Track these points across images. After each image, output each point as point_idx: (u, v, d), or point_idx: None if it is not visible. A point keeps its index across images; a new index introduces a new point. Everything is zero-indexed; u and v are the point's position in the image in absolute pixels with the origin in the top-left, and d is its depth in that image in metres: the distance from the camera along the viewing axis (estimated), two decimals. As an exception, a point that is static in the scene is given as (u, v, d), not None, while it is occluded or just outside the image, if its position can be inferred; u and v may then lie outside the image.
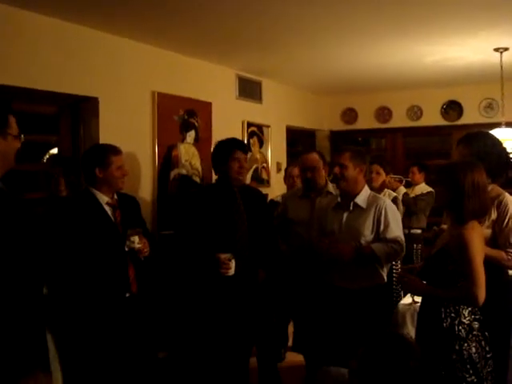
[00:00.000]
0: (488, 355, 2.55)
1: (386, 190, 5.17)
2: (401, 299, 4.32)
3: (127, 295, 3.19)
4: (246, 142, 5.64)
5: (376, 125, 7.43)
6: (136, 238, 3.16)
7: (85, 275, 3.05)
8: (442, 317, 2.55)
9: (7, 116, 2.07)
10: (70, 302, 3.04)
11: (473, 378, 2.49)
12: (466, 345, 2.51)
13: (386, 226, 3.38)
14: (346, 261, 3.33)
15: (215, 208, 3.56)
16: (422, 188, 6.10)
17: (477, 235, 2.53)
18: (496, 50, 4.91)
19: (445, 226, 2.95)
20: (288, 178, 4.98)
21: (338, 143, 7.25)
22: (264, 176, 6.17)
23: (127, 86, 4.31)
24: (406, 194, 5.79)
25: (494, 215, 2.90)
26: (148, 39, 4.38)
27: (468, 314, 2.54)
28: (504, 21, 4.07)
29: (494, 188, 2.95)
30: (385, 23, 4.08)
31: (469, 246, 2.49)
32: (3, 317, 1.94)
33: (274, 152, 6.34)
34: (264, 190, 5.50)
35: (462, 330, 2.52)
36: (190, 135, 4.95)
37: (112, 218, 3.21)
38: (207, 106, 5.15)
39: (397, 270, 4.36)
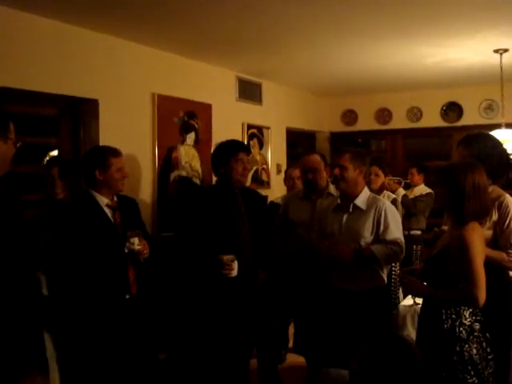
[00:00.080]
0: (489, 356, 2.54)
1: (385, 191, 5.17)
2: (399, 301, 4.32)
3: (127, 297, 3.19)
4: (246, 143, 5.64)
5: (376, 126, 7.43)
6: (136, 240, 3.16)
7: (85, 277, 3.05)
8: (442, 318, 2.55)
9: (8, 121, 2.18)
10: (70, 304, 3.04)
11: (474, 379, 2.48)
12: (466, 346, 2.50)
13: (386, 227, 3.38)
14: (345, 262, 3.33)
15: (216, 210, 3.56)
16: (421, 189, 6.09)
17: (477, 236, 2.52)
18: (496, 51, 4.91)
19: (445, 228, 2.94)
20: (288, 180, 4.98)
21: (338, 145, 7.25)
22: (264, 178, 6.17)
23: (127, 87, 4.31)
24: (405, 196, 5.78)
25: (495, 216, 2.89)
26: (148, 41, 4.38)
27: (469, 315, 2.54)
28: (504, 22, 4.07)
29: (494, 189, 2.95)
30: (385, 24, 4.09)
31: (469, 247, 2.48)
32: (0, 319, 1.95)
33: (274, 154, 6.34)
34: (264, 192, 5.51)
35: (463, 332, 2.52)
36: (190, 137, 4.95)
37: (112, 220, 3.21)
38: (207, 107, 5.15)
39: (396, 271, 4.36)
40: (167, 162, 4.68)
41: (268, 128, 6.22)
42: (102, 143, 3.89)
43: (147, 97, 4.53)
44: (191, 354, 3.83)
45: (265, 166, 6.20)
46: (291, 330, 4.63)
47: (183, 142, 4.87)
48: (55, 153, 4.19)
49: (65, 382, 3.05)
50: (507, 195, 2.99)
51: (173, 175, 4.74)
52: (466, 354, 2.49)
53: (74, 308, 3.04)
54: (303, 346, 4.14)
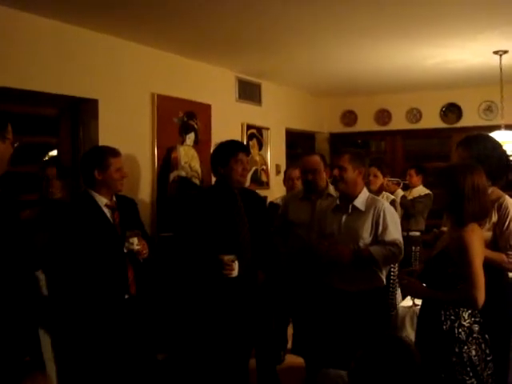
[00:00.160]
0: (488, 358, 2.54)
1: (383, 192, 5.17)
2: (396, 301, 4.32)
3: (126, 297, 3.19)
4: (245, 144, 5.63)
5: (375, 127, 7.43)
6: (135, 240, 3.16)
7: (84, 276, 3.05)
8: (441, 319, 2.55)
9: (7, 122, 2.20)
10: (69, 303, 3.04)
11: (473, 380, 2.48)
12: (465, 347, 2.50)
13: (385, 228, 3.38)
14: (344, 263, 3.33)
15: (216, 210, 3.56)
16: (420, 190, 6.10)
17: (477, 238, 2.52)
18: (495, 52, 4.91)
19: (445, 229, 2.94)
20: (287, 180, 4.98)
21: (338, 145, 7.25)
22: (263, 178, 6.17)
23: (127, 87, 4.31)
24: (403, 197, 5.79)
25: (494, 218, 2.89)
26: (147, 41, 4.38)
27: (468, 316, 2.54)
28: (503, 24, 4.07)
29: (494, 191, 2.95)
30: (385, 25, 4.09)
31: (468, 249, 2.48)
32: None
33: (274, 154, 6.34)
34: (263, 193, 5.51)
35: (462, 333, 2.52)
36: (190, 137, 4.95)
37: (111, 220, 3.21)
38: (207, 108, 5.15)
39: (394, 272, 4.36)
40: (167, 163, 4.68)
41: (267, 128, 6.22)
42: (101, 143, 3.89)
43: (147, 97, 4.52)
44: (190, 355, 3.83)
45: (264, 167, 6.19)
46: (290, 330, 4.63)
47: (183, 142, 4.87)
48: (55, 153, 4.19)
49: (62, 382, 3.05)
50: (507, 197, 2.99)
51: (172, 175, 4.74)
52: (465, 355, 2.49)
53: (73, 308, 3.04)
54: (302, 347, 4.14)
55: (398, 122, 7.29)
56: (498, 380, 2.67)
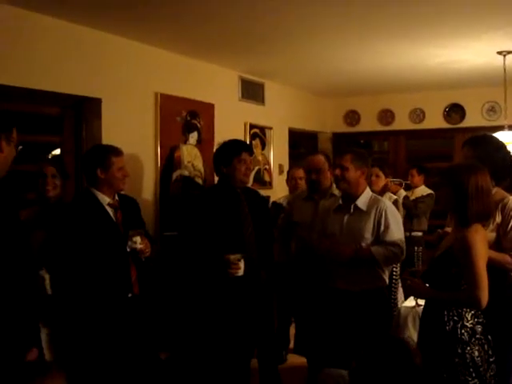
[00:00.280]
0: (491, 359, 2.54)
1: (387, 193, 5.16)
2: (397, 301, 4.31)
3: (129, 296, 3.19)
4: (248, 143, 5.63)
5: (378, 127, 7.42)
6: (138, 239, 3.16)
7: (87, 275, 3.05)
8: (444, 320, 2.54)
9: (13, 125, 2.25)
10: (73, 303, 3.04)
11: (475, 381, 2.48)
12: (468, 348, 2.50)
13: (386, 228, 3.38)
14: (345, 261, 3.33)
15: (221, 210, 3.56)
16: (422, 190, 6.10)
17: (480, 238, 2.52)
18: (499, 53, 4.90)
19: (449, 229, 2.94)
20: (290, 180, 4.98)
21: (340, 145, 7.25)
22: (266, 178, 6.17)
23: (130, 87, 4.31)
24: (406, 198, 5.79)
25: (498, 219, 2.88)
26: (151, 40, 4.38)
27: (471, 317, 2.54)
28: (507, 24, 4.06)
29: (498, 191, 2.94)
30: (388, 25, 4.08)
31: (472, 249, 2.48)
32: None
33: (277, 154, 6.34)
34: (266, 192, 5.51)
35: (465, 334, 2.51)
36: (193, 136, 4.95)
37: (114, 219, 3.22)
38: (210, 107, 5.15)
39: (396, 272, 4.35)
40: (170, 162, 4.68)
41: (270, 128, 6.21)
42: (104, 142, 3.89)
43: (150, 96, 4.52)
44: (193, 354, 3.83)
45: (267, 166, 6.19)
46: (292, 330, 4.62)
47: (186, 141, 4.87)
48: (58, 152, 4.19)
49: (69, 380, 3.04)
50: (511, 197, 2.98)
51: (175, 175, 4.74)
52: (467, 356, 2.49)
53: (76, 306, 3.04)
54: (304, 347, 4.13)
55: (401, 122, 7.28)
56: (501, 381, 2.66)
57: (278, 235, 4.26)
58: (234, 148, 3.64)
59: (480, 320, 2.55)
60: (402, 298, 4.28)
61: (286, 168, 6.29)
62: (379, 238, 3.38)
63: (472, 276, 2.47)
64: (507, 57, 4.95)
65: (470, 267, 2.48)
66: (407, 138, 7.38)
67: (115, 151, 3.26)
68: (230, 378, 3.58)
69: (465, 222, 2.56)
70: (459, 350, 2.50)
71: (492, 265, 2.60)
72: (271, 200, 5.26)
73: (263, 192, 4.99)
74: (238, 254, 3.40)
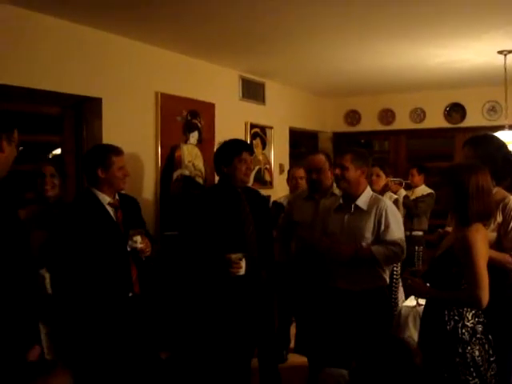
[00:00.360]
0: (491, 358, 2.54)
1: (387, 192, 5.16)
2: (398, 301, 4.32)
3: (130, 295, 3.19)
4: (249, 143, 5.63)
5: (379, 127, 7.42)
6: (138, 238, 3.16)
7: (88, 275, 3.05)
8: (445, 320, 2.54)
9: (14, 126, 2.27)
10: (73, 302, 3.04)
11: (476, 380, 2.48)
12: (469, 348, 2.50)
13: (387, 227, 3.38)
14: (345, 260, 3.33)
15: (222, 209, 3.55)
16: (422, 190, 6.11)
17: (481, 237, 2.52)
18: (500, 52, 4.90)
19: (450, 229, 2.94)
20: (291, 180, 4.98)
21: (341, 145, 7.25)
22: (267, 177, 6.17)
23: (131, 86, 4.31)
24: (406, 197, 5.79)
25: (499, 218, 2.88)
26: (152, 40, 4.38)
27: (472, 317, 2.54)
28: (508, 23, 4.06)
29: (498, 191, 2.94)
30: (388, 25, 4.08)
31: (472, 248, 2.48)
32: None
33: (277, 153, 6.34)
34: (267, 192, 5.51)
35: (466, 333, 2.51)
36: (193, 136, 4.95)
37: (114, 219, 3.22)
38: (210, 107, 5.15)
39: (397, 271, 4.36)
40: (170, 161, 4.68)
41: (271, 128, 6.21)
42: (105, 142, 3.89)
43: (151, 96, 4.52)
44: (193, 353, 3.83)
45: (267, 166, 6.19)
46: (293, 330, 4.62)
47: (186, 141, 4.87)
48: (58, 151, 4.20)
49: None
50: (511, 197, 2.98)
51: (176, 174, 4.74)
52: (468, 355, 2.49)
53: (77, 306, 3.04)
54: (305, 346, 4.13)
55: (402, 122, 7.28)
56: (502, 380, 2.66)
57: (279, 235, 4.27)
58: (235, 148, 3.64)
59: (481, 320, 2.55)
60: (403, 298, 4.28)
61: (286, 167, 6.29)
62: (379, 237, 3.38)
63: (473, 275, 2.47)
64: (508, 56, 4.95)
65: (470, 267, 2.48)
66: (408, 137, 7.38)
67: (116, 151, 3.26)
68: (230, 377, 3.58)
69: (465, 222, 2.56)
70: (460, 350, 2.50)
71: (493, 264, 2.60)
72: (272, 199, 5.26)
73: (264, 191, 4.99)
74: (240, 253, 3.40)
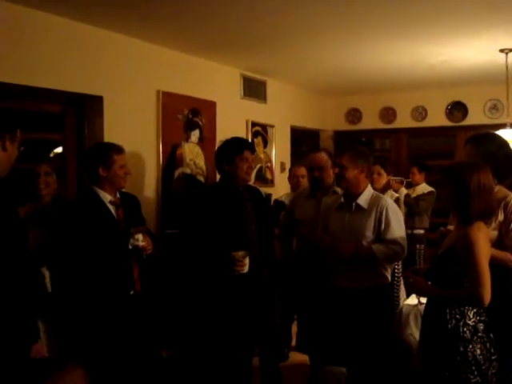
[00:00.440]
0: (493, 357, 2.54)
1: (388, 191, 5.16)
2: (399, 299, 4.32)
3: (131, 293, 3.19)
4: (250, 141, 5.63)
5: (380, 125, 7.42)
6: (140, 236, 3.16)
7: (90, 273, 3.05)
8: (446, 318, 2.54)
9: (17, 126, 2.27)
10: (74, 300, 3.05)
11: (477, 379, 2.48)
12: (470, 346, 2.50)
13: (387, 225, 3.38)
14: (346, 258, 3.33)
15: (224, 207, 3.55)
16: (423, 188, 6.11)
17: (483, 236, 2.52)
18: (501, 50, 4.90)
19: (451, 227, 2.94)
20: (292, 178, 4.98)
21: (342, 143, 7.25)
22: (268, 176, 6.17)
23: (132, 84, 4.31)
24: (407, 196, 5.79)
25: (500, 217, 2.88)
26: (153, 39, 4.38)
27: (473, 315, 2.53)
28: (508, 22, 4.05)
29: (500, 189, 2.93)
30: (390, 23, 4.07)
31: (474, 247, 2.48)
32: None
33: (278, 152, 6.34)
34: (268, 190, 5.51)
35: (467, 332, 2.51)
36: (195, 134, 4.95)
37: (115, 217, 3.22)
38: (212, 105, 5.15)
39: (398, 270, 4.36)
40: (171, 159, 4.68)
41: (272, 126, 6.21)
42: (106, 140, 3.89)
43: (152, 94, 4.52)
44: (194, 352, 3.83)
45: (269, 164, 6.19)
46: (294, 328, 4.62)
47: (187, 139, 4.87)
48: (59, 149, 4.19)
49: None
50: (513, 196, 2.98)
51: (177, 172, 4.75)
52: (469, 354, 2.49)
53: (78, 304, 3.04)
54: (306, 345, 4.13)
55: (403, 120, 7.28)
56: (503, 379, 2.66)
57: (280, 233, 4.27)
58: (236, 146, 3.63)
59: (482, 318, 2.55)
60: (404, 296, 4.28)
61: (287, 166, 6.29)
62: (380, 236, 3.38)
63: (474, 274, 2.47)
64: (509, 54, 4.96)
65: (472, 265, 2.47)
66: (409, 135, 7.38)
67: (117, 149, 3.26)
68: (231, 375, 3.58)
69: (467, 220, 2.56)
70: (461, 348, 2.50)
71: (494, 263, 2.60)
72: (273, 198, 5.26)
73: (265, 190, 4.99)
74: (243, 251, 3.40)
